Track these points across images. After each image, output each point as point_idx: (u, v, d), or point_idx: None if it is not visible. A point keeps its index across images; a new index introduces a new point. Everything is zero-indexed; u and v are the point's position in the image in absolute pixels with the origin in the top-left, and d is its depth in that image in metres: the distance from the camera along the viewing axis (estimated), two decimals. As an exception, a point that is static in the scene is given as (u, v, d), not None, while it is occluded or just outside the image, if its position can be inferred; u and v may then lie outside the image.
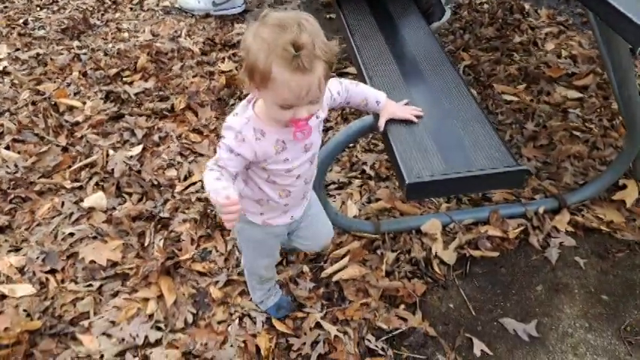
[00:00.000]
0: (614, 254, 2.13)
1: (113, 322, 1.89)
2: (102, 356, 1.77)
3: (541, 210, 2.24)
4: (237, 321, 1.92)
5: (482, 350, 1.83)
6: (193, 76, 3.17)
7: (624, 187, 2.29)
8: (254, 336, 1.87)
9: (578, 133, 2.62)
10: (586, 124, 2.66)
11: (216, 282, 2.05)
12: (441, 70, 2.06)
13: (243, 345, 1.83)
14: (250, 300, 1.95)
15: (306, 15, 1.18)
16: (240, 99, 3.00)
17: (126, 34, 3.70)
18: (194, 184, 2.46)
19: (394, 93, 1.86)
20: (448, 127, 1.77)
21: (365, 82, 1.88)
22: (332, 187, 2.45)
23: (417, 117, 1.74)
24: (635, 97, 1.96)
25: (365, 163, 2.57)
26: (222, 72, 3.21)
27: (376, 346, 1.85)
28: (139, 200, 2.36)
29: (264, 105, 1.27)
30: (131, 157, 2.56)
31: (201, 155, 2.62)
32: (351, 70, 3.06)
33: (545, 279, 2.06)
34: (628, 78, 1.90)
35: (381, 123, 1.70)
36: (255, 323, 1.92)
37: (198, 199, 2.37)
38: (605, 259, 2.12)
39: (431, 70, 2.05)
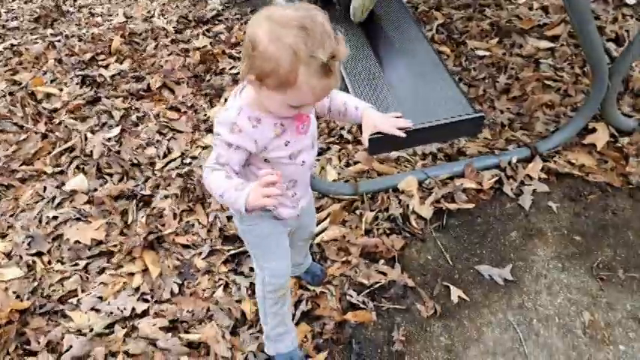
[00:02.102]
0: (586, 197, 2.17)
1: (101, 298, 1.95)
2: (91, 329, 1.83)
3: (514, 160, 2.28)
4: (221, 288, 1.97)
5: (459, 296, 1.89)
6: (168, 55, 3.18)
7: (594, 130, 2.32)
8: (239, 302, 1.93)
9: (550, 83, 2.64)
10: (557, 73, 2.68)
11: (200, 253, 2.10)
12: (404, 27, 2.07)
13: (228, 310, 1.89)
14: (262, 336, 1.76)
15: (316, 9, 1.10)
16: (216, 74, 3.03)
17: (99, 19, 3.70)
18: (174, 160, 2.50)
19: (358, 53, 1.89)
20: (409, 82, 1.81)
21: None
22: (309, 153, 2.48)
23: (403, 129, 1.50)
24: (597, 40, 1.98)
25: (342, 128, 2.60)
26: (197, 48, 3.22)
27: (358, 301, 1.91)
28: (120, 180, 2.40)
29: (259, 97, 1.18)
30: (110, 138, 2.59)
31: (180, 132, 2.65)
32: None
33: (519, 225, 2.11)
34: (587, 20, 1.91)
35: (364, 138, 1.46)
36: (239, 289, 1.97)
37: (179, 175, 2.41)
38: (578, 202, 2.16)
39: (394, 29, 2.07)
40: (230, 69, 3.04)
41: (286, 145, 1.27)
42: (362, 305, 1.90)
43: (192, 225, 2.22)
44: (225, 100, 2.80)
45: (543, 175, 2.25)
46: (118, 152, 2.51)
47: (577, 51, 2.78)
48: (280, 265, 1.55)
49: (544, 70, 2.70)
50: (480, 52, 2.88)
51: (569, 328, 1.78)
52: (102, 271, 2.04)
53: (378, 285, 1.95)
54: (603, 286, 1.88)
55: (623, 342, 1.72)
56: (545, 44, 2.85)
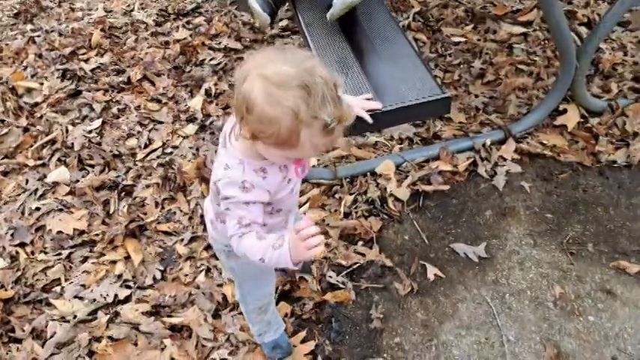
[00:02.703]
0: (557, 176, 2.24)
1: (84, 286, 1.98)
2: (75, 316, 1.87)
3: (488, 142, 2.34)
4: (203, 273, 2.01)
5: (435, 274, 1.95)
6: (148, 47, 3.19)
7: (565, 112, 2.38)
8: (220, 285, 1.97)
9: (522, 67, 2.70)
10: (530, 57, 2.74)
11: (182, 239, 2.14)
12: (376, 15, 2.12)
13: (210, 294, 1.93)
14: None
15: (310, 59, 1.04)
16: (196, 65, 3.05)
17: (79, 13, 3.69)
18: (155, 150, 2.52)
19: (331, 39, 1.93)
20: (381, 67, 1.85)
21: (301, 25, 1.94)
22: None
23: (371, 111, 1.52)
24: (563, 22, 2.04)
25: (321, 116, 2.63)
26: (177, 41, 3.23)
27: (337, 281, 1.95)
28: (102, 171, 2.43)
29: (256, 149, 1.11)
30: (91, 130, 2.61)
31: (161, 123, 2.68)
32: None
33: (493, 205, 2.17)
34: (553, 4, 1.97)
35: None
36: (220, 274, 2.01)
37: (160, 165, 2.44)
38: (550, 181, 2.23)
39: (367, 17, 2.11)
40: (210, 60, 3.06)
41: (288, 183, 1.22)
42: (341, 285, 1.94)
43: (174, 213, 2.25)
44: (206, 91, 2.82)
45: (516, 156, 2.31)
46: (99, 144, 2.53)
47: (549, 35, 2.84)
48: (264, 291, 1.58)
49: (517, 55, 2.76)
50: (456, 39, 2.93)
51: (541, 301, 1.84)
52: (85, 259, 2.07)
53: (356, 265, 2.00)
54: (573, 260, 1.94)
55: (592, 313, 1.79)
56: (518, 29, 2.90)
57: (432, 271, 1.96)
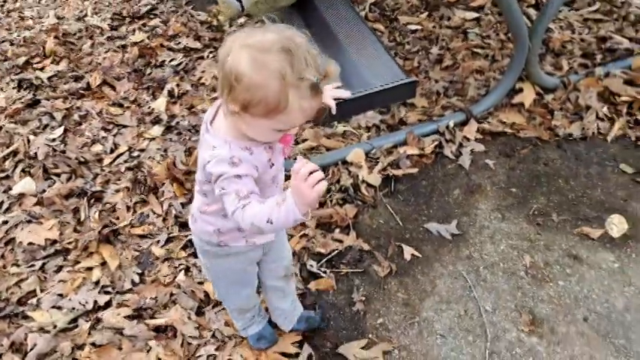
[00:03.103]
0: (519, 152, 2.33)
1: (61, 295, 1.95)
2: (55, 326, 1.83)
3: (451, 124, 2.41)
4: (182, 272, 2.01)
5: (412, 254, 2.00)
6: (105, 52, 3.14)
7: (521, 90, 2.48)
8: (201, 283, 1.97)
9: (478, 50, 2.79)
10: (484, 41, 2.84)
11: (158, 241, 2.12)
12: (337, 6, 2.15)
13: (191, 292, 1.93)
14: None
15: (289, 29, 1.06)
16: (157, 67, 3.02)
17: (30, 22, 3.60)
18: (122, 154, 2.49)
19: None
20: (346, 56, 1.89)
21: (262, 20, 1.95)
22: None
23: (339, 99, 1.47)
24: (514, 4, 2.12)
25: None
26: (135, 43, 3.20)
27: (318, 270, 1.99)
28: (69, 179, 2.38)
29: (240, 127, 1.12)
30: (54, 139, 2.56)
31: (125, 127, 2.64)
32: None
33: (461, 183, 2.24)
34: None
35: None
36: (200, 272, 2.01)
37: (128, 169, 2.41)
38: (512, 157, 2.32)
39: (328, 9, 2.15)
40: (170, 61, 3.03)
41: (271, 168, 1.22)
42: (322, 274, 1.98)
43: (147, 215, 2.23)
44: (169, 91, 2.80)
45: (479, 136, 2.40)
46: (64, 152, 2.48)
47: (501, 19, 2.94)
48: (241, 294, 1.58)
49: (472, 39, 2.85)
50: (412, 27, 3.00)
51: (513, 271, 1.92)
52: (59, 269, 2.03)
53: (335, 252, 2.03)
54: (540, 230, 2.04)
55: (561, 278, 1.88)
56: (471, 15, 3.00)
57: (408, 252, 2.02)
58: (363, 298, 1.89)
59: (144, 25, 3.37)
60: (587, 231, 1.99)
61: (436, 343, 1.75)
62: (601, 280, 1.85)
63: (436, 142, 2.38)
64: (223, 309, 1.88)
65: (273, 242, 1.47)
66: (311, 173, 1.02)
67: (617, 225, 2.00)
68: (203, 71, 2.93)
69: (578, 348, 1.69)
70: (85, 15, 3.58)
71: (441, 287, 1.90)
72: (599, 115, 2.35)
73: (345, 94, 1.61)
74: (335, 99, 1.53)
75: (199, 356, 1.75)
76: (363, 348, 1.76)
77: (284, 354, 1.75)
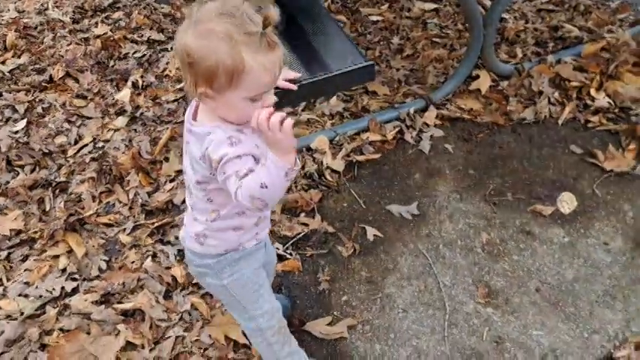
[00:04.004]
0: (476, 136, 2.43)
1: (27, 283, 1.95)
2: (22, 313, 1.84)
3: (412, 110, 2.49)
4: (149, 259, 2.03)
5: (374, 235, 2.07)
6: (68, 45, 3.11)
7: (478, 77, 2.58)
8: (168, 268, 2.00)
9: (437, 40, 2.88)
10: (443, 31, 2.93)
11: (124, 229, 2.14)
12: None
13: (159, 277, 1.96)
14: None
15: None
16: (120, 59, 3.02)
17: (-12, 16, 3.53)
18: (86, 145, 2.49)
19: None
20: (309, 44, 1.94)
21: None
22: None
23: (291, 81, 1.51)
24: (468, -7, 2.21)
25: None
26: (97, 36, 3.17)
27: (285, 252, 2.04)
28: (33, 170, 2.37)
29: (221, 112, 1.11)
30: (17, 131, 2.54)
31: (89, 118, 2.64)
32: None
33: (421, 167, 2.32)
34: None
35: None
36: (168, 257, 2.04)
37: (93, 159, 2.41)
38: (470, 141, 2.41)
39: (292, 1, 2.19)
40: (134, 53, 3.03)
41: (260, 154, 1.14)
42: (288, 256, 2.03)
43: (113, 205, 2.24)
44: (133, 83, 2.81)
45: (438, 122, 2.48)
46: (27, 143, 2.47)
47: (458, 10, 3.04)
48: (272, 304, 1.44)
49: (431, 29, 2.95)
50: (373, 18, 3.07)
51: (470, 247, 2.01)
52: (25, 258, 2.03)
53: (301, 235, 2.08)
54: (496, 209, 2.13)
55: (515, 253, 1.98)
56: (430, 6, 3.09)
57: (371, 233, 2.08)
58: (328, 278, 1.95)
59: (107, 18, 3.35)
60: (540, 209, 2.10)
61: (398, 316, 1.83)
62: (552, 254, 1.96)
63: (397, 128, 2.46)
64: (190, 292, 1.91)
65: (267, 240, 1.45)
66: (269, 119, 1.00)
67: (567, 202, 2.11)
68: (167, 63, 2.94)
69: (530, 316, 1.79)
70: (47, 9, 3.53)
71: (403, 265, 1.98)
72: (551, 100, 2.47)
73: (296, 75, 1.66)
74: (289, 80, 1.57)
75: (168, 337, 1.79)
76: (328, 324, 1.82)
77: (252, 334, 1.80)
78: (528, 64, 2.62)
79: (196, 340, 1.78)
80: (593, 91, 2.46)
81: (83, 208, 2.22)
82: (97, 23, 3.30)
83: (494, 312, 1.81)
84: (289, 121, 0.99)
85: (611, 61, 2.55)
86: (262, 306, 1.40)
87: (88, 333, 1.79)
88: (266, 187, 1.02)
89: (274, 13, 1.01)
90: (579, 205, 2.10)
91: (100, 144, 2.51)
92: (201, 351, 1.76)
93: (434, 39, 2.89)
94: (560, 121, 2.42)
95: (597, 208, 2.08)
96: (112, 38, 3.12)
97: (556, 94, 2.48)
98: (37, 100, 2.75)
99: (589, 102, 2.45)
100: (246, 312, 1.40)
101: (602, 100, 2.42)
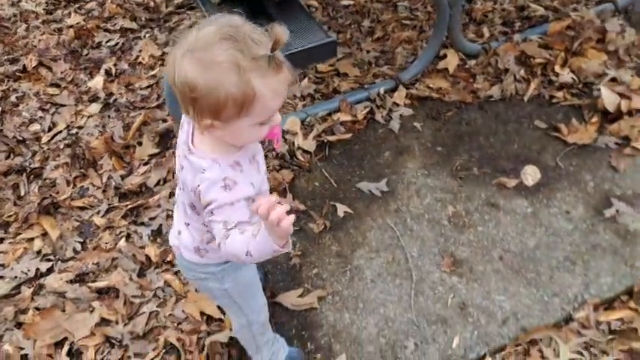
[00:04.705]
0: (444, 114, 2.48)
1: (2, 265, 1.98)
2: (-4, 294, 1.87)
3: (382, 91, 2.54)
4: (123, 239, 2.06)
5: (345, 211, 2.12)
6: (41, 35, 3.12)
7: (446, 56, 2.63)
8: (142, 247, 2.03)
9: (407, 22, 2.93)
10: (413, 13, 2.98)
11: (98, 212, 2.17)
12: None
13: (132, 256, 1.99)
14: None
15: (224, 16, 0.98)
16: (93, 48, 3.03)
17: (-40, 8, 3.51)
18: (60, 132, 2.51)
19: (228, 10, 2.02)
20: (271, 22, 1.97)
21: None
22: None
23: None
24: (432, -28, 2.25)
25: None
26: (70, 26, 3.18)
27: (255, 231, 2.07)
28: (7, 157, 2.39)
29: (224, 139, 1.04)
30: (-10, 120, 2.55)
31: (63, 106, 2.66)
32: None
33: (391, 146, 2.37)
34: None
35: None
36: (141, 237, 2.07)
37: (67, 145, 2.43)
38: (438, 119, 2.46)
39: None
40: (107, 42, 3.05)
41: (258, 173, 1.13)
42: (260, 234, 2.07)
43: (87, 189, 2.27)
44: (106, 71, 2.83)
45: (407, 101, 2.53)
46: (1, 131, 2.48)
47: (428, -8, 3.10)
48: (263, 300, 1.48)
49: (401, 12, 2.99)
50: (345, 2, 3.11)
51: (437, 220, 2.07)
52: (0, 241, 2.05)
53: (272, 214, 2.12)
54: (462, 183, 2.19)
55: (480, 224, 2.04)
56: (400, -11, 3.14)
57: (341, 209, 2.13)
58: (300, 253, 2.00)
59: (80, 7, 3.35)
60: (504, 181, 2.16)
61: (367, 287, 1.88)
62: (515, 224, 2.02)
63: (368, 109, 2.50)
64: (164, 270, 1.95)
65: None
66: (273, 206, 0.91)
67: (531, 175, 2.17)
68: (140, 51, 2.96)
69: (493, 283, 1.85)
70: (20, 0, 3.52)
71: (371, 238, 2.03)
72: (517, 78, 2.53)
73: None
74: None
75: (142, 313, 1.83)
76: (299, 296, 1.86)
77: (225, 309, 1.84)
78: (495, 43, 2.68)
79: (170, 315, 1.82)
80: (557, 68, 2.52)
81: (57, 193, 2.24)
82: (69, 13, 3.30)
83: (459, 280, 1.87)
84: (290, 220, 0.89)
85: (576, 38, 2.61)
86: (255, 305, 1.46)
87: (63, 310, 1.82)
88: (251, 255, 0.98)
89: (282, 32, 0.93)
90: (542, 177, 2.16)
91: (74, 130, 2.53)
92: (175, 325, 1.80)
93: (403, 21, 2.93)
94: (525, 98, 2.48)
95: (560, 179, 2.15)
96: (85, 27, 3.13)
97: (522, 72, 2.54)
98: (10, 89, 2.76)
99: (553, 78, 2.51)
100: (240, 310, 1.43)
101: (566, 76, 2.48)
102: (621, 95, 2.30)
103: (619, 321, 1.70)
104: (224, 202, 1.01)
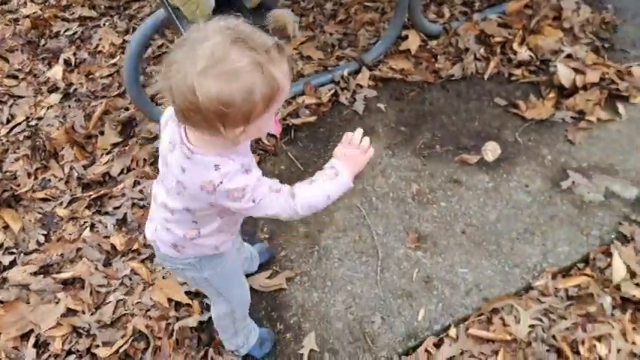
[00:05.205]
0: (407, 94, 2.51)
1: (-37, 260, 1.94)
2: (-43, 289, 1.83)
3: (345, 73, 2.55)
4: (88, 229, 2.04)
5: (310, 193, 2.13)
6: (-5, 26, 3.04)
7: (407, 37, 2.65)
8: (107, 237, 2.02)
9: (369, 4, 2.94)
10: (375, -6, 2.99)
11: (61, 203, 2.14)
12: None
13: (98, 245, 1.97)
14: (227, 351, 1.70)
15: (219, 20, 0.97)
16: (51, 37, 2.96)
17: None
18: (19, 124, 2.46)
19: None
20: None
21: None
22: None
23: None
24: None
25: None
26: (27, 16, 3.10)
27: (223, 216, 2.08)
28: (-36, 152, 2.33)
29: (245, 136, 1.03)
30: (-57, 114, 2.48)
31: (21, 97, 2.60)
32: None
33: (355, 127, 2.35)
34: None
35: None
36: (106, 227, 2.05)
37: (27, 137, 2.39)
38: (401, 100, 2.49)
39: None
40: (65, 31, 2.98)
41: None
42: (227, 218, 2.07)
43: (49, 180, 2.24)
44: (65, 60, 2.77)
45: (371, 83, 2.55)
46: (-44, 125, 2.42)
47: (389, -26, 3.10)
48: (246, 287, 1.53)
49: (363, -6, 3.00)
50: (307, -15, 3.10)
51: (402, 198, 2.10)
52: (-41, 236, 2.02)
53: (238, 198, 2.13)
54: (425, 161, 2.22)
55: (443, 200, 2.08)
56: (362, -29, 3.14)
57: (307, 191, 2.14)
58: (267, 236, 2.01)
59: (35, -4, 3.27)
60: (466, 158, 2.20)
61: (334, 266, 1.91)
62: (477, 198, 2.07)
63: (332, 91, 2.51)
64: (130, 259, 1.94)
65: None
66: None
67: (491, 150, 2.22)
68: (100, 39, 2.90)
69: (456, 256, 1.89)
70: (-28, -10, 3.41)
71: (338, 218, 2.05)
72: (477, 56, 2.57)
73: None
74: None
75: (108, 302, 1.82)
76: (268, 278, 1.88)
77: (197, 292, 1.84)
78: (456, 23, 2.71)
79: (138, 303, 1.82)
80: (516, 46, 2.57)
81: (18, 185, 2.20)
82: (25, 3, 3.22)
83: (423, 255, 1.91)
84: (372, 150, 1.20)
85: (533, 16, 2.66)
86: (238, 292, 1.49)
87: (28, 302, 1.80)
88: (329, 197, 1.15)
89: (289, 16, 1.04)
90: (502, 152, 2.21)
91: (34, 122, 2.48)
92: (143, 312, 1.80)
93: (366, 3, 2.94)
94: (485, 76, 2.52)
95: (519, 154, 2.20)
96: (42, 17, 3.05)
97: (482, 51, 2.58)
98: (-35, 82, 2.69)
99: (512, 56, 2.56)
100: (222, 297, 1.46)
101: (524, 53, 2.53)
102: (576, 71, 2.36)
103: (576, 287, 1.77)
104: (255, 181, 1.08)
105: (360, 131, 1.20)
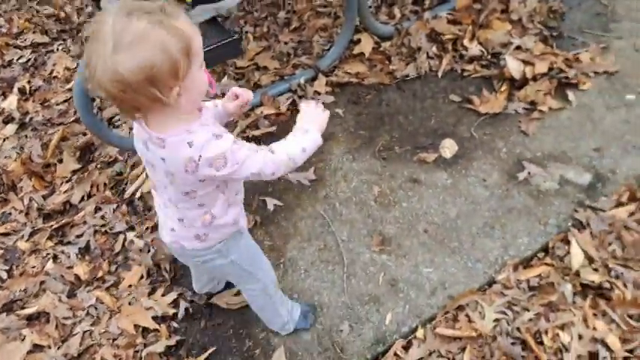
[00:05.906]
0: (364, 98, 2.53)
1: None
2: None
3: (302, 81, 2.56)
4: (50, 261, 2.02)
5: (274, 204, 2.14)
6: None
7: (360, 41, 2.67)
8: (70, 268, 2.00)
9: (322, 10, 2.95)
10: (327, 0, 3.00)
11: (22, 236, 2.12)
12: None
13: (61, 277, 1.95)
14: (272, 332, 1.76)
15: (112, 2, 1.05)
16: (5, 66, 2.92)
17: None
18: (-26, 158, 2.42)
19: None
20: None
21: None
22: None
23: None
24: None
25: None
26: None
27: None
28: None
29: (187, 98, 1.06)
30: None
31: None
32: None
33: (314, 134, 2.40)
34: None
35: None
36: (69, 257, 2.04)
37: (-17, 171, 2.35)
38: (359, 103, 2.51)
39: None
40: (18, 59, 2.94)
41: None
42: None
43: (10, 214, 2.21)
44: (20, 89, 2.73)
45: (328, 89, 2.57)
46: None
47: (339, -22, 3.12)
48: (267, 261, 1.58)
49: (315, 0, 3.01)
50: (257, -5, 3.11)
51: (364, 202, 2.12)
52: None
53: (202, 216, 2.12)
54: (385, 163, 2.25)
55: (404, 200, 2.10)
56: (312, -23, 3.15)
57: (271, 203, 2.15)
58: (232, 252, 2.01)
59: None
60: (424, 156, 2.22)
61: (300, 277, 1.91)
62: (437, 196, 2.09)
63: (290, 100, 2.52)
64: (95, 287, 1.93)
65: None
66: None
67: (448, 148, 2.25)
68: (54, 64, 2.87)
69: (420, 256, 1.92)
70: None
71: (303, 228, 2.06)
72: (430, 55, 2.60)
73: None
74: None
75: (75, 334, 1.80)
76: (234, 295, 1.88)
77: (164, 316, 1.84)
78: (407, 23, 2.74)
79: (105, 332, 1.81)
80: (466, 42, 2.61)
81: (-23, 222, 2.17)
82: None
83: (388, 258, 1.93)
84: (327, 111, 1.40)
85: (482, 11, 2.71)
86: (264, 265, 1.56)
87: (-8, 343, 1.78)
88: (305, 150, 1.27)
89: None
90: (459, 148, 2.24)
91: (-11, 155, 2.44)
92: (111, 341, 1.78)
93: (318, 9, 2.96)
94: (439, 74, 2.55)
95: (475, 149, 2.24)
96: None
97: (434, 49, 2.61)
98: None
99: (464, 52, 2.59)
100: (252, 276, 1.51)
101: (474, 48, 2.57)
102: (525, 62, 2.40)
103: (537, 277, 1.80)
104: (230, 145, 1.10)
105: (311, 100, 1.36)
